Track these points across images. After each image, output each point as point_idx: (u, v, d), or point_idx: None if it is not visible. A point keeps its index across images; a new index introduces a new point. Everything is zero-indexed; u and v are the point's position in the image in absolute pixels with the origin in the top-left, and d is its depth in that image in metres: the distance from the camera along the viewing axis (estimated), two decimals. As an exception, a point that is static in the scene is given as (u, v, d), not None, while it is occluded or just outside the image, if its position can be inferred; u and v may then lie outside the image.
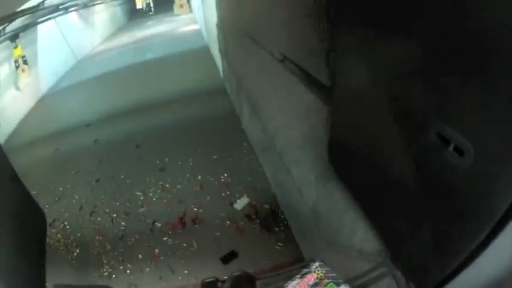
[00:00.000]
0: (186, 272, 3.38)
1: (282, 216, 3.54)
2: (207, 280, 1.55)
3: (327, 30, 1.75)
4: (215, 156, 4.82)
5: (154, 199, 4.39)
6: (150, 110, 7.20)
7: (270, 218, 3.60)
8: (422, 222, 1.14)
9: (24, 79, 10.34)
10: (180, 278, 3.35)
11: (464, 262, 0.97)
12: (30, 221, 2.44)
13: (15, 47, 9.77)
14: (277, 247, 3.33)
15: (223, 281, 1.54)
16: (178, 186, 4.47)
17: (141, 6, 18.88)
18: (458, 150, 0.90)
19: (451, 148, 0.92)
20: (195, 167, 4.75)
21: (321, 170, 2.08)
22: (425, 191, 1.10)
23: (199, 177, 4.50)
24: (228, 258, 3.34)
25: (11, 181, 2.34)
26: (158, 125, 6.33)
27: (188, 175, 4.60)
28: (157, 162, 5.06)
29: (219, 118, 5.79)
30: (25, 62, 10.15)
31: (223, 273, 1.66)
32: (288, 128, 2.83)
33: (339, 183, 1.80)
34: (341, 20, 1.52)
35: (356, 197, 1.65)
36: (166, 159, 5.07)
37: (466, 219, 0.95)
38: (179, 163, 4.92)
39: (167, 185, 4.54)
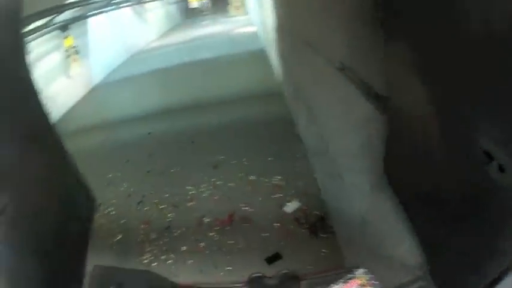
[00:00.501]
0: (229, 268, 3.43)
1: (330, 223, 3.56)
2: (254, 275, 1.65)
3: (384, 38, 1.78)
4: (270, 159, 4.88)
5: (204, 195, 4.48)
6: (206, 107, 7.35)
7: (318, 223, 3.62)
8: (461, 238, 1.16)
9: (76, 68, 10.62)
10: (221, 273, 3.39)
11: (498, 278, 0.99)
12: (80, 205, 2.52)
13: (66, 37, 10.03)
14: (321, 253, 3.33)
15: (270, 277, 1.62)
16: (230, 184, 4.55)
17: (196, 6, 19.01)
18: (501, 168, 0.93)
19: (494, 165, 0.95)
20: (248, 167, 4.83)
21: (375, 180, 2.10)
22: (467, 206, 1.13)
23: (252, 177, 4.57)
24: (273, 259, 3.38)
25: (65, 163, 2.40)
26: (213, 123, 6.45)
27: (241, 174, 4.68)
28: (211, 159, 5.16)
29: (275, 121, 5.87)
30: (76, 52, 10.43)
31: (266, 273, 1.73)
32: (344, 136, 2.86)
33: (392, 194, 1.82)
34: (396, 32, 1.54)
35: (405, 209, 1.67)
36: (221, 157, 5.16)
37: (502, 235, 0.97)
38: (233, 162, 5.01)
39: (219, 182, 4.62)
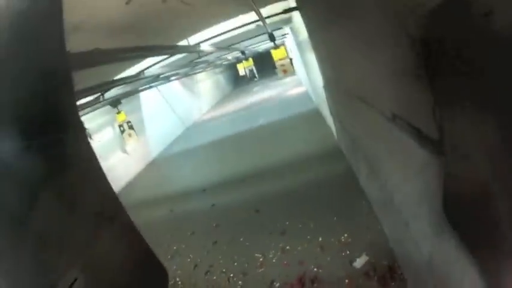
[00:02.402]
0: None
1: (399, 271, 3.58)
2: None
3: (430, 85, 1.95)
4: (335, 218, 4.99)
5: (274, 260, 4.59)
6: (267, 175, 7.62)
7: (388, 274, 3.65)
8: None
9: (132, 144, 11.20)
10: None
11: None
12: (151, 279, 2.53)
13: (118, 112, 10.70)
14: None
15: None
16: (298, 248, 4.65)
17: (243, 73, 19.75)
18: None
19: None
20: (315, 229, 4.94)
21: (436, 223, 2.21)
22: None
23: (320, 238, 4.67)
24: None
25: (135, 239, 2.46)
26: (277, 189, 6.66)
27: (309, 237, 4.79)
28: (278, 225, 5.34)
29: (336, 179, 6.03)
30: (131, 127, 11.00)
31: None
32: (404, 185, 2.97)
33: (453, 234, 1.93)
34: (441, 76, 1.71)
35: (468, 248, 1.76)
36: (287, 223, 5.33)
37: None
38: (300, 226, 5.15)
39: (287, 247, 4.75)
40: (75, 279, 1.66)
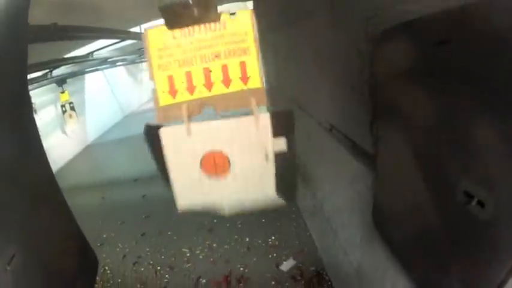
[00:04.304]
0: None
1: (327, 278, 3.64)
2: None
3: (370, 101, 2.01)
4: (263, 220, 5.00)
5: (200, 257, 4.56)
6: (199, 171, 7.53)
7: (315, 279, 3.69)
8: (454, 275, 1.32)
9: (72, 125, 10.86)
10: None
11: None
12: (82, 261, 2.55)
13: (62, 92, 10.28)
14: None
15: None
16: (225, 247, 4.64)
17: None
18: (480, 203, 1.11)
19: (474, 202, 1.13)
20: (243, 229, 4.94)
21: (366, 232, 2.28)
22: (455, 244, 1.30)
23: (247, 239, 4.68)
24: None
25: (69, 223, 2.49)
26: (207, 187, 6.59)
27: (236, 237, 4.79)
28: (206, 223, 5.28)
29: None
30: (72, 108, 10.62)
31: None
32: (336, 194, 3.05)
33: (382, 243, 2.00)
34: (382, 94, 1.77)
35: (397, 256, 1.83)
36: (215, 221, 5.27)
37: (486, 267, 1.14)
38: (227, 225, 5.11)
39: (214, 245, 4.72)
40: (13, 255, 1.65)
